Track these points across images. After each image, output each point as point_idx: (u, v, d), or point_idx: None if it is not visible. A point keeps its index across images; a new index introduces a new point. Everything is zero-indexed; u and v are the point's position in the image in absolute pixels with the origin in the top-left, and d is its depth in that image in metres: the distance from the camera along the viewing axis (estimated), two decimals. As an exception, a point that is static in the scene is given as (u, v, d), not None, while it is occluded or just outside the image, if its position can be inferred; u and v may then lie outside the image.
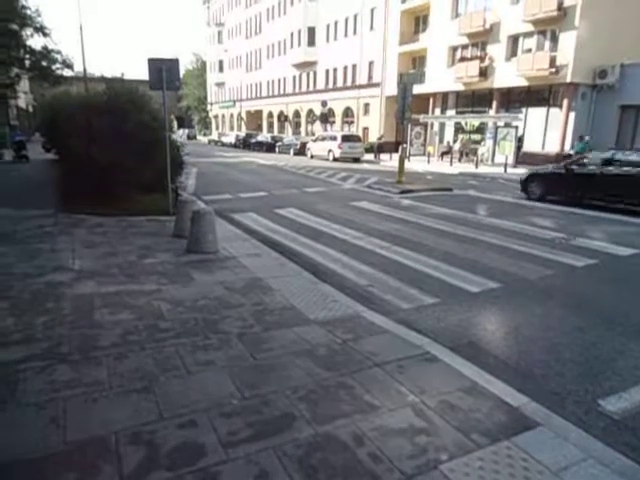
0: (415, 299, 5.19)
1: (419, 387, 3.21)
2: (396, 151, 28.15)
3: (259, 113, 53.83)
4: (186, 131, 55.77)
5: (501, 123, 23.88)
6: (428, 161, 25.28)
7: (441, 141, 28.66)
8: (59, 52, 27.34)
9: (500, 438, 2.70)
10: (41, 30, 25.63)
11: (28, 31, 25.52)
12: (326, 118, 37.16)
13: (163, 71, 8.45)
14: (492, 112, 25.72)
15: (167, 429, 2.71)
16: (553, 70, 21.88)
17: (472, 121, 26.77)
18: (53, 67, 27.46)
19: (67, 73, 29.06)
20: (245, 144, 39.99)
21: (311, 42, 41.54)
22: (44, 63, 26.94)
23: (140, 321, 4.19)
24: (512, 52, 24.42)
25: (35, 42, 27.75)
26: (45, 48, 26.42)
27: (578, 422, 2.97)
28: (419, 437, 2.69)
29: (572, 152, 19.97)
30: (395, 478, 2.38)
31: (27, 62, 26.75)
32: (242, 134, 43.58)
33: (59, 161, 13.36)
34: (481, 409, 2.97)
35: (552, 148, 22.64)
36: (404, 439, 2.68)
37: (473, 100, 27.56)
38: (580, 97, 22.52)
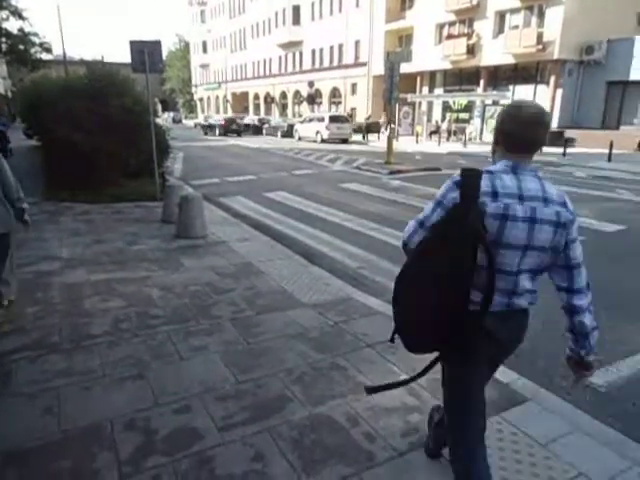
0: (405, 279, 5.22)
1: (411, 366, 3.25)
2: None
3: (245, 95, 53.11)
4: (171, 114, 54.82)
5: (489, 101, 23.86)
6: (417, 141, 25.24)
7: (429, 120, 28.57)
8: (36, 35, 26.62)
9: (490, 413, 2.75)
10: (17, 13, 24.86)
11: (3, 14, 24.76)
12: (313, 99, 36.80)
13: (145, 53, 8.29)
14: (480, 90, 25.67)
15: (162, 415, 2.73)
16: (540, 47, 21.82)
17: (460, 100, 26.69)
18: (31, 51, 26.75)
19: (46, 57, 28.37)
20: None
21: (296, 21, 40.87)
22: (21, 47, 26.24)
23: (131, 308, 4.18)
24: (499, 29, 24.28)
25: (11, 25, 26.94)
26: (22, 31, 25.69)
27: (566, 396, 3.04)
28: (412, 415, 2.75)
29: None
30: (389, 455, 2.43)
31: (3, 46, 26.00)
32: (228, 116, 43.01)
33: (42, 147, 13.11)
34: (472, 386, 3.03)
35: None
36: (397, 418, 2.73)
37: (461, 78, 27.45)
38: (567, 73, 22.53)
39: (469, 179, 1.70)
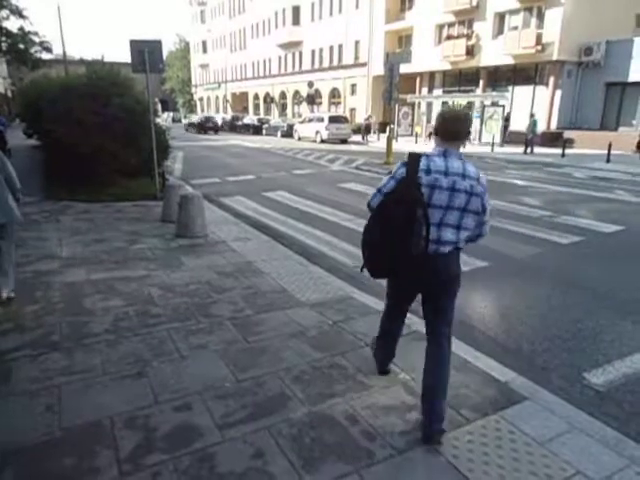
0: (405, 279, 5.24)
1: (410, 365, 3.27)
2: (384, 132, 28.08)
3: (245, 95, 53.09)
4: (171, 114, 54.76)
5: (488, 102, 23.87)
6: (416, 141, 25.27)
7: (429, 121, 28.55)
8: (36, 34, 26.57)
9: (488, 412, 2.77)
10: (17, 12, 24.82)
11: (4, 13, 24.71)
12: (313, 99, 36.77)
13: (146, 53, 8.28)
14: (479, 91, 25.70)
15: (162, 413, 2.74)
16: (539, 48, 21.85)
17: (459, 100, 26.68)
18: (31, 50, 26.70)
19: (46, 56, 28.32)
20: (231, 127, 39.47)
21: (296, 21, 40.85)
22: (21, 46, 26.16)
23: (131, 307, 4.19)
24: (499, 30, 24.30)
25: (11, 24, 26.87)
26: (22, 30, 25.63)
27: (564, 395, 3.05)
28: (410, 414, 2.76)
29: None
30: (388, 453, 2.44)
31: (3, 45, 25.95)
32: (228, 117, 43.02)
33: (42, 147, 13.11)
34: (470, 385, 3.05)
35: (538, 126, 22.67)
36: (396, 416, 2.74)
37: (460, 79, 27.48)
38: (566, 75, 22.56)
39: (412, 160, 2.40)
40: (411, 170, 2.37)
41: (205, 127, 36.79)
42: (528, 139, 19.31)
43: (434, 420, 2.51)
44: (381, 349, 3.12)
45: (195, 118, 40.80)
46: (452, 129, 2.44)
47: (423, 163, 2.37)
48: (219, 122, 38.71)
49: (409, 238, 2.31)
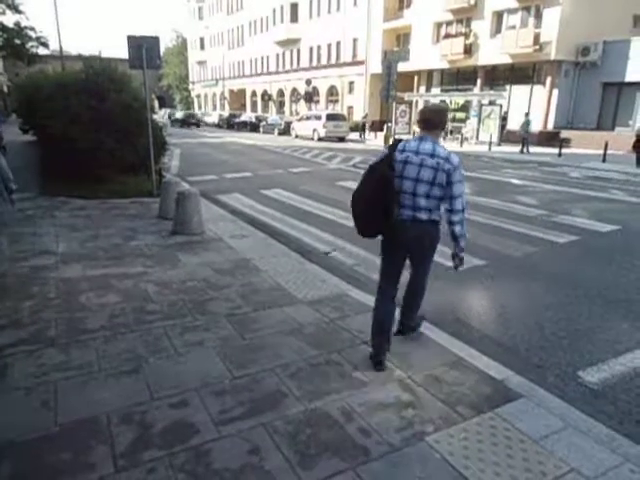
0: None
1: (406, 363, 3.28)
2: (381, 130, 28.09)
3: (242, 92, 52.96)
4: (168, 111, 54.55)
5: (485, 101, 23.90)
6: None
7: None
8: (33, 29, 26.43)
9: (484, 410, 2.79)
10: (13, 7, 24.68)
11: (0, 8, 24.57)
12: (310, 97, 36.71)
13: (143, 49, 8.25)
14: (477, 90, 25.70)
15: (158, 409, 2.74)
16: (537, 47, 21.88)
17: (457, 99, 26.74)
18: (27, 45, 26.56)
19: (42, 51, 28.20)
20: (229, 124, 39.46)
21: (294, 18, 40.74)
22: (17, 41, 26.04)
23: (127, 303, 4.19)
24: (496, 29, 24.31)
25: (7, 19, 26.72)
26: (18, 25, 25.50)
27: (559, 393, 3.07)
28: (406, 411, 2.77)
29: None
30: (383, 450, 2.45)
31: None
32: (225, 114, 42.90)
33: (38, 143, 13.05)
34: (466, 383, 3.06)
35: (535, 126, 22.76)
36: (392, 413, 2.75)
37: (458, 78, 27.49)
38: (563, 74, 22.61)
39: (393, 143, 3.14)
40: (390, 149, 3.08)
41: (188, 122, 41.13)
42: (524, 138, 19.38)
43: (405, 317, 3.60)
44: (376, 336, 3.28)
45: (179, 114, 45.01)
46: (425, 118, 3.11)
47: (400, 145, 3.10)
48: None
49: (382, 201, 2.95)
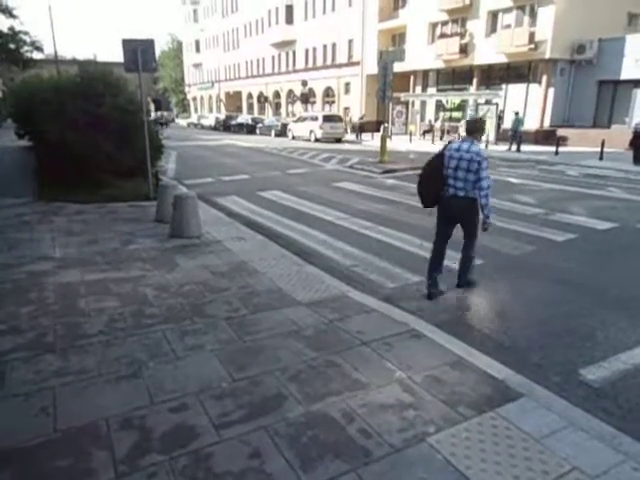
0: (400, 278, 5.26)
1: (406, 363, 3.28)
2: (378, 130, 28.07)
3: (238, 94, 52.91)
4: (164, 114, 54.55)
5: (481, 100, 23.93)
6: (410, 140, 25.28)
7: (423, 119, 28.63)
8: (27, 34, 26.34)
9: (485, 409, 2.78)
10: (7, 11, 24.60)
11: (-7, 12, 24.51)
12: (307, 98, 36.71)
13: (138, 52, 8.23)
14: (472, 89, 25.72)
15: (158, 413, 2.73)
16: (532, 46, 21.90)
17: (453, 99, 26.75)
18: (22, 50, 26.47)
19: (37, 56, 28.09)
20: (225, 126, 39.36)
21: (289, 20, 40.71)
22: (12, 45, 25.91)
23: (126, 308, 4.17)
24: (492, 28, 24.33)
25: (1, 23, 26.67)
26: (12, 29, 25.39)
27: (560, 392, 3.07)
28: (407, 412, 2.76)
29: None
30: (385, 452, 2.44)
31: (-7, 45, 25.73)
32: (222, 116, 42.85)
33: (34, 148, 13.01)
34: (466, 383, 3.05)
35: (532, 124, 22.80)
36: (393, 414, 2.74)
37: (454, 77, 27.50)
38: (559, 73, 22.64)
39: (445, 145, 4.61)
40: (442, 149, 4.56)
41: (160, 122, 43.17)
42: (515, 136, 19.54)
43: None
44: (432, 267, 4.72)
45: (152, 115, 46.97)
46: (467, 127, 4.65)
47: (448, 146, 4.53)
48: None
49: (439, 184, 4.52)
